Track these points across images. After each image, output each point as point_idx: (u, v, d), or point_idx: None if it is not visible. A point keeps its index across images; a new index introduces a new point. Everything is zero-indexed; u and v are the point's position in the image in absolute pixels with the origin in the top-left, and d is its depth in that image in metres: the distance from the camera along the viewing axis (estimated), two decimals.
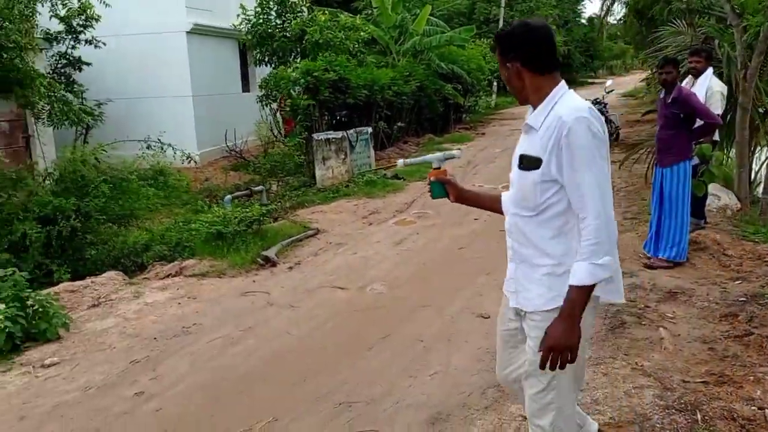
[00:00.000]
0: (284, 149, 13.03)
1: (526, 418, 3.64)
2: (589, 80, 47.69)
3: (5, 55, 7.43)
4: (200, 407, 4.00)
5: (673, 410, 3.52)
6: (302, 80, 12.07)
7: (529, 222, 2.46)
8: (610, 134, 14.73)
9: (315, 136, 11.33)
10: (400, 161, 3.14)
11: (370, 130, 12.47)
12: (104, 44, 13.46)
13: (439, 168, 2.79)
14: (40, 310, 5.11)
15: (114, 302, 5.89)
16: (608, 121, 14.79)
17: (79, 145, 9.45)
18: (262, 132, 14.29)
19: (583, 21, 48.43)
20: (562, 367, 2.33)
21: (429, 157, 2.82)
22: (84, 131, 13.50)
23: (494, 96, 30.84)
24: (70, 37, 13.20)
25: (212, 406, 4.00)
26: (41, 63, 12.13)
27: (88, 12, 12.78)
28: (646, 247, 6.29)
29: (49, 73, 12.71)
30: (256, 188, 9.43)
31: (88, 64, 13.70)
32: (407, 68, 17.07)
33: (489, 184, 11.15)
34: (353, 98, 13.02)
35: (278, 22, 14.17)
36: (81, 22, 13.15)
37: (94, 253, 7.71)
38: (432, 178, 2.80)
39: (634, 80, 34.07)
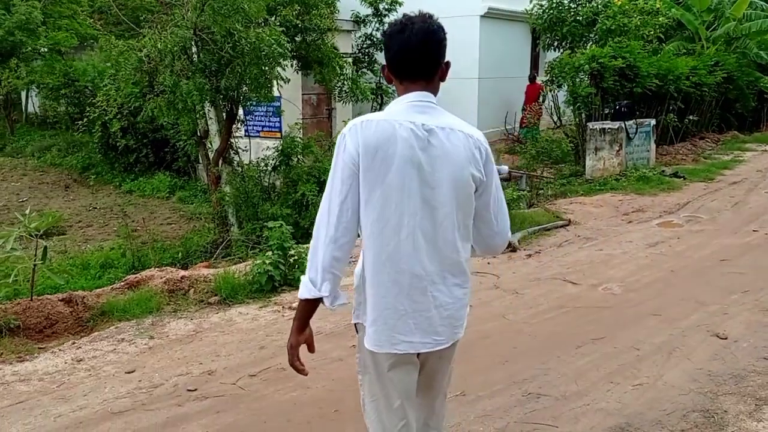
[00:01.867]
0: (553, 136, 12.85)
1: None
2: None
3: (308, 38, 8.57)
4: None
5: None
6: (586, 66, 11.73)
7: None
8: None
9: (590, 125, 10.98)
10: None
11: (653, 122, 11.66)
12: None
13: None
14: (298, 260, 5.92)
15: None
16: None
17: None
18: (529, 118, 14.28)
19: None
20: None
21: None
22: (378, 106, 14.82)
23: None
24: (375, 20, 14.52)
25: None
26: (347, 44, 13.59)
27: None
28: None
29: (354, 52, 14.17)
30: (516, 173, 9.51)
31: None
32: (714, 57, 15.44)
33: None
34: (641, 87, 12.27)
35: (571, 6, 13.88)
36: (386, 6, 14.40)
37: None
38: None
39: None
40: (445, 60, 2.22)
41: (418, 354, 2.28)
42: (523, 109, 15.40)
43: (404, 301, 2.18)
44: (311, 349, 2.31)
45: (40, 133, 17.38)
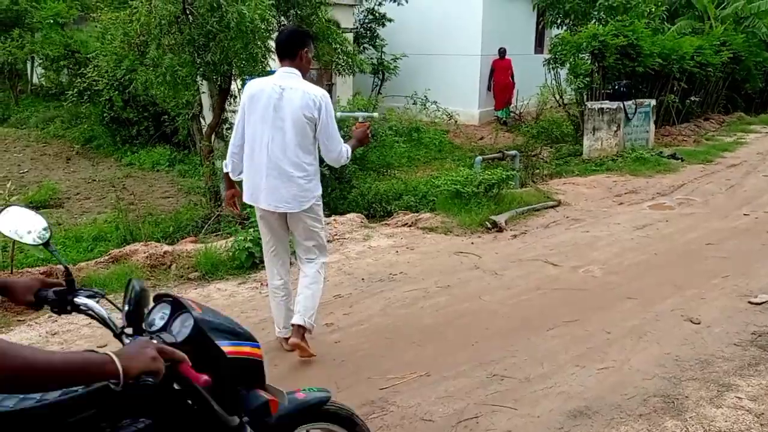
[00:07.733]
0: (556, 116, 12.75)
1: None
2: None
3: (301, 12, 8.47)
4: (373, 347, 4.37)
5: None
6: (586, 45, 11.58)
7: None
8: None
9: (588, 104, 10.87)
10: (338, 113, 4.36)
11: (652, 103, 11.52)
12: (406, 2, 14.38)
13: (364, 122, 4.13)
14: None
15: (345, 241, 6.57)
16: None
17: (359, 97, 10.40)
18: (544, 96, 14.13)
19: None
20: None
21: (356, 113, 4.10)
22: (380, 82, 14.75)
23: None
24: None
25: (383, 349, 4.34)
26: (349, 19, 13.46)
27: None
28: None
29: (356, 27, 14.06)
30: (509, 152, 9.45)
31: (390, 20, 14.80)
32: (722, 36, 15.20)
33: None
34: (643, 67, 12.11)
35: None
36: None
37: (352, 196, 8.56)
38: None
39: None
40: (305, 49, 3.83)
41: (286, 216, 3.97)
42: (489, 88, 15.35)
43: (260, 181, 3.83)
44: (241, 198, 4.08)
45: (45, 104, 17.37)
